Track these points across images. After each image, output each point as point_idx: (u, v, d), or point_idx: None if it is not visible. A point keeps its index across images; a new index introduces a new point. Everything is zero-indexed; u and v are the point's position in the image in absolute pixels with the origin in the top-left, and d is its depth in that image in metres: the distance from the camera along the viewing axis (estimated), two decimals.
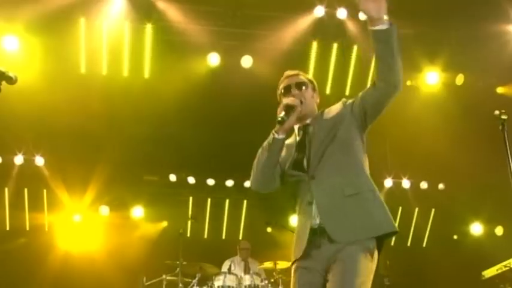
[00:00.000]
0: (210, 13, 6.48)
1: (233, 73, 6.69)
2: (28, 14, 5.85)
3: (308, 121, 2.73)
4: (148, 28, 6.42)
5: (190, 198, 9.01)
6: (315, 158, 2.57)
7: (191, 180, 8.77)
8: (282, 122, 2.52)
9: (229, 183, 9.01)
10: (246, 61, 6.70)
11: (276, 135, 2.55)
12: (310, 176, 2.54)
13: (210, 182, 8.93)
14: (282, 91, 2.81)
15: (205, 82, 6.74)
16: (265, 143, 2.61)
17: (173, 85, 6.69)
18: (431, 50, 7.06)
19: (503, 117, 3.72)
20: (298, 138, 2.74)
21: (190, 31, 6.51)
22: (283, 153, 2.65)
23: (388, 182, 8.62)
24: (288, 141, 2.68)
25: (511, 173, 3.60)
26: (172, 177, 8.69)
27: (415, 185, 8.91)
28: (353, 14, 6.54)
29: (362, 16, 6.60)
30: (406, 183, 8.84)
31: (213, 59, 6.74)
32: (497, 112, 3.72)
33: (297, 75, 2.85)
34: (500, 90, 7.31)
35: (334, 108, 2.73)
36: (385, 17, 2.45)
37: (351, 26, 6.60)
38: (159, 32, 6.50)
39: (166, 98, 6.73)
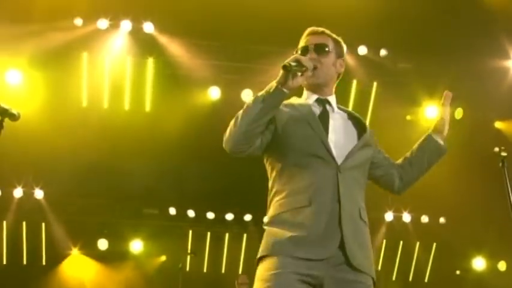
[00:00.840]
0: (211, 47, 6.55)
1: (234, 107, 6.63)
2: (32, 48, 5.92)
3: (329, 98, 2.35)
4: (150, 62, 6.50)
5: (190, 231, 8.92)
6: (342, 150, 2.19)
7: (191, 213, 8.70)
8: (288, 69, 2.04)
9: (229, 216, 8.94)
10: (247, 95, 6.74)
11: (280, 86, 2.06)
12: (340, 167, 2.15)
13: (210, 215, 8.86)
14: (298, 51, 2.32)
15: (206, 116, 6.75)
16: (259, 94, 2.10)
17: (174, 119, 6.71)
18: (430, 84, 7.11)
19: (503, 154, 3.69)
20: (318, 111, 2.29)
21: (191, 65, 6.58)
22: (292, 123, 2.19)
23: (389, 216, 8.55)
24: (294, 112, 2.23)
25: (511, 209, 3.57)
26: (172, 211, 8.63)
27: (415, 219, 8.83)
28: (352, 49, 6.63)
29: (361, 51, 6.70)
30: (406, 217, 8.77)
31: (214, 93, 6.78)
32: (496, 149, 3.70)
33: (321, 33, 2.39)
34: (498, 125, 7.34)
35: (360, 121, 2.41)
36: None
37: (350, 61, 6.67)
38: (161, 66, 6.56)
39: (167, 132, 6.74)
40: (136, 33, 6.29)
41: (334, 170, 2.14)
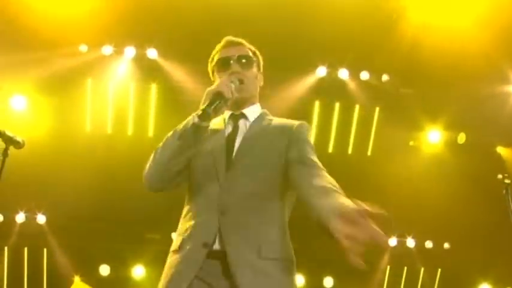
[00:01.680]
0: None
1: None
2: (37, 74, 5.97)
3: (245, 110, 2.13)
4: (153, 88, 6.53)
5: None
6: (235, 170, 1.97)
7: None
8: (204, 116, 1.91)
9: None
10: None
11: (197, 120, 1.91)
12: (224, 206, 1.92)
13: None
14: (217, 64, 2.17)
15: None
16: (178, 128, 1.98)
17: None
18: (433, 109, 7.13)
19: (507, 181, 3.66)
20: (227, 131, 2.09)
21: (194, 91, 6.60)
22: (198, 155, 2.02)
23: (393, 241, 8.46)
24: (207, 141, 2.02)
25: None
26: (174, 236, 8.56)
27: (419, 244, 8.73)
28: (354, 74, 6.67)
29: (363, 76, 6.73)
30: (410, 242, 8.67)
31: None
32: (500, 176, 3.67)
33: (241, 44, 2.21)
34: (500, 150, 7.32)
35: (279, 126, 2.09)
36: None
37: (353, 86, 6.70)
38: (164, 91, 6.60)
39: None
40: (140, 59, 6.35)
41: (215, 210, 1.92)
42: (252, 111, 2.17)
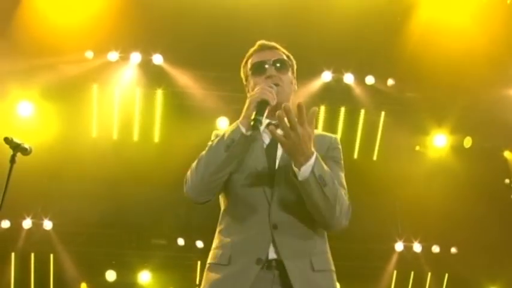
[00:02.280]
0: (219, 78, 6.60)
1: None
2: (43, 80, 6.00)
3: None
4: (159, 93, 6.55)
5: (199, 262, 8.80)
6: (281, 185, 1.97)
7: (199, 244, 8.61)
8: (256, 126, 1.87)
9: None
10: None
11: (244, 130, 1.89)
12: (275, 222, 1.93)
13: None
14: (252, 68, 2.12)
15: None
16: (223, 140, 1.92)
17: (183, 149, 6.67)
18: (439, 113, 7.11)
19: None
20: (267, 141, 2.06)
21: (199, 96, 6.62)
22: (238, 167, 1.99)
23: (399, 246, 8.41)
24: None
25: None
26: (180, 241, 8.55)
27: (426, 249, 8.68)
28: (359, 79, 6.66)
29: (368, 81, 6.73)
30: (417, 247, 8.62)
31: (222, 123, 6.80)
32: (507, 181, 3.66)
33: (275, 48, 2.19)
34: (507, 155, 7.28)
35: (318, 139, 2.03)
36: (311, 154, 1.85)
37: (358, 91, 6.69)
38: (169, 97, 6.62)
39: (176, 162, 6.67)
40: (146, 65, 6.37)
41: (265, 223, 1.93)
42: None
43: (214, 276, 1.98)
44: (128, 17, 5.71)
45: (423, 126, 7.19)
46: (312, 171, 1.83)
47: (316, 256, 1.96)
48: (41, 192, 7.22)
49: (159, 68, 6.40)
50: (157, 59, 6.35)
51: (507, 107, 6.63)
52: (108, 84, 6.32)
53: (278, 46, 2.22)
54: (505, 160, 7.25)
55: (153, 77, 6.48)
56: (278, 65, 2.11)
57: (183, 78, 6.52)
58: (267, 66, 2.10)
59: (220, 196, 2.13)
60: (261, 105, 1.90)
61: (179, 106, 6.70)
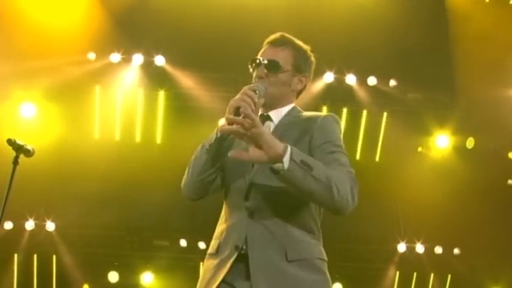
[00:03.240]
0: (221, 79, 6.61)
1: None
2: (46, 82, 6.02)
3: (271, 112, 2.11)
4: (161, 95, 6.56)
5: (201, 264, 8.78)
6: (261, 172, 1.97)
7: (202, 245, 8.61)
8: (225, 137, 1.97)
9: None
10: None
11: (219, 134, 1.95)
12: (249, 206, 1.99)
13: None
14: (250, 63, 2.14)
15: None
16: (205, 142, 2.02)
17: (185, 150, 6.65)
18: (441, 114, 7.10)
19: None
20: None
21: (201, 97, 6.63)
22: (228, 159, 1.97)
23: (402, 247, 8.40)
24: (233, 143, 2.03)
25: None
26: (183, 243, 8.55)
27: (429, 250, 8.66)
28: (361, 79, 6.66)
29: (370, 82, 6.72)
30: (420, 248, 8.61)
31: None
32: (510, 181, 3.63)
33: (281, 44, 2.14)
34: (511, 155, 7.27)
35: (305, 120, 2.07)
36: (285, 150, 1.79)
37: (360, 91, 6.70)
38: (172, 98, 6.63)
39: (178, 163, 6.65)
40: (148, 67, 6.40)
41: (244, 212, 2.00)
42: (280, 112, 2.14)
43: (205, 265, 2.11)
44: (130, 18, 5.72)
45: (425, 127, 7.19)
46: (291, 159, 1.76)
47: (292, 244, 1.93)
48: (44, 193, 7.23)
49: (161, 69, 6.42)
50: (160, 60, 6.36)
51: (510, 107, 6.62)
52: (110, 85, 6.34)
53: (288, 43, 2.16)
54: (509, 161, 7.22)
55: (155, 78, 6.50)
56: (268, 65, 2.08)
57: (185, 80, 6.54)
58: (258, 64, 2.10)
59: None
60: (235, 113, 1.86)
61: (181, 107, 6.72)
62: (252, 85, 2.00)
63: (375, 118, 7.08)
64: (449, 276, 9.13)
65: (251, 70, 2.16)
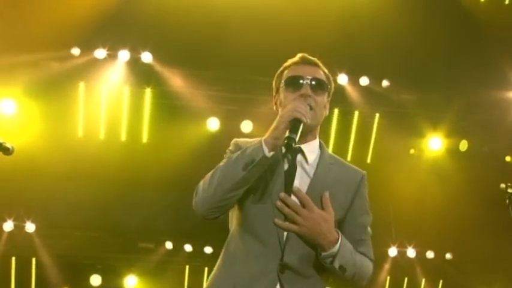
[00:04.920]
0: (210, 78, 6.60)
1: (233, 138, 6.72)
2: (27, 77, 5.96)
3: (304, 146, 2.01)
4: (148, 92, 6.53)
5: (187, 267, 8.78)
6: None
7: (188, 248, 8.58)
8: (290, 145, 1.82)
9: None
10: (246, 126, 6.75)
11: (266, 151, 1.82)
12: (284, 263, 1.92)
13: (208, 250, 8.74)
14: (287, 81, 2.02)
15: (205, 147, 6.74)
16: (241, 158, 1.85)
17: (172, 150, 6.69)
18: (434, 115, 7.14)
19: (510, 190, 3.61)
20: (285, 166, 1.98)
21: (189, 95, 6.61)
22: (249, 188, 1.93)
23: (393, 251, 8.44)
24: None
25: None
26: (169, 245, 8.52)
27: (421, 255, 8.71)
28: (354, 79, 6.67)
29: (363, 82, 6.74)
30: (411, 253, 8.65)
31: (213, 124, 6.80)
32: (503, 185, 3.62)
33: (316, 65, 2.07)
34: (508, 159, 7.32)
35: (343, 178, 2.06)
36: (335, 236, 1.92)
37: (352, 92, 6.71)
38: (158, 96, 6.60)
39: (165, 163, 6.71)
40: (134, 63, 6.34)
41: (275, 265, 1.91)
42: (312, 148, 2.06)
43: None
44: (116, 13, 5.68)
45: (418, 128, 7.23)
46: (333, 262, 1.90)
47: None
48: (24, 193, 7.15)
49: (148, 67, 6.38)
50: (147, 57, 6.32)
51: (505, 110, 6.67)
52: (95, 82, 6.28)
53: (320, 64, 2.11)
54: (504, 164, 7.27)
55: (142, 75, 6.46)
56: (315, 83, 2.01)
57: (173, 77, 6.51)
58: (303, 82, 2.00)
59: (230, 211, 2.07)
60: (295, 124, 1.83)
61: (168, 106, 6.69)
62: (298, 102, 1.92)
63: (366, 119, 7.10)
64: (441, 281, 9.19)
65: (282, 87, 2.06)
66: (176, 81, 6.53)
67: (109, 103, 6.43)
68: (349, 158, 6.99)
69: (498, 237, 6.39)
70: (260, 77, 6.54)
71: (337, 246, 1.90)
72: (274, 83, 2.17)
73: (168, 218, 7.88)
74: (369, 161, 7.29)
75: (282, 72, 2.11)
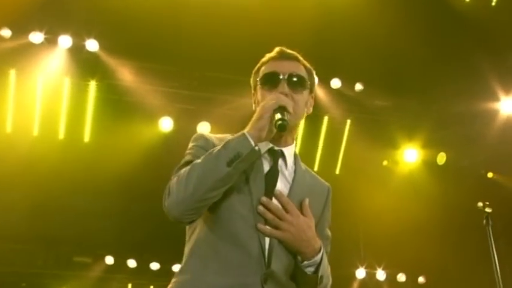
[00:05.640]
0: (164, 72, 6.55)
1: (188, 141, 6.64)
2: None
3: (285, 149, 2.06)
4: (92, 86, 6.44)
5: (130, 285, 8.68)
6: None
7: (132, 263, 8.46)
8: (284, 127, 1.85)
9: (176, 267, 8.72)
10: (203, 128, 6.72)
11: (253, 143, 1.83)
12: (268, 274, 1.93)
13: (154, 266, 8.64)
14: (263, 78, 2.05)
15: (156, 150, 6.68)
16: (224, 153, 1.83)
17: (117, 152, 6.61)
18: (411, 125, 7.25)
19: (488, 210, 3.64)
20: (266, 168, 2.01)
21: (140, 91, 6.55)
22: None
23: (361, 273, 8.49)
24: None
25: (496, 271, 3.55)
26: (109, 260, 8.38)
27: (391, 277, 8.80)
28: (324, 81, 6.70)
29: (334, 84, 6.77)
30: (381, 275, 8.72)
31: (166, 124, 6.74)
32: (480, 204, 3.65)
33: (295, 59, 2.10)
34: (490, 175, 7.49)
35: (317, 187, 2.17)
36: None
37: (321, 95, 6.73)
38: (104, 90, 6.51)
39: (109, 167, 6.61)
40: (77, 51, 6.20)
41: (257, 275, 1.90)
42: (291, 152, 2.11)
43: None
44: None
45: (393, 138, 7.32)
46: (316, 271, 1.96)
47: None
48: None
49: (93, 56, 6.26)
50: (92, 45, 6.20)
51: (488, 122, 6.80)
52: (29, 70, 6.12)
53: (300, 57, 2.13)
54: (485, 180, 7.42)
55: (86, 65, 6.34)
56: (294, 80, 2.04)
57: (122, 70, 6.41)
58: (280, 79, 2.02)
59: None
60: (281, 112, 1.87)
61: (115, 102, 6.61)
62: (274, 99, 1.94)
63: (337, 125, 7.15)
64: None
65: (258, 85, 2.08)
66: (125, 74, 6.46)
67: (45, 95, 6.29)
68: (316, 167, 7.01)
69: (476, 260, 6.48)
70: (221, 74, 6.51)
71: (320, 254, 1.97)
72: (251, 80, 2.17)
73: (110, 229, 7.76)
74: (337, 171, 7.35)
75: (259, 68, 2.12)
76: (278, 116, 1.86)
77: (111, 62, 6.34)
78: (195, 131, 6.65)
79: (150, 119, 6.75)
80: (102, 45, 6.24)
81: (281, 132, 1.88)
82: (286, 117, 1.86)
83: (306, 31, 5.79)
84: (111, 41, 6.24)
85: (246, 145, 1.83)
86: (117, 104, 6.62)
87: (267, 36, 5.65)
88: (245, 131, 1.87)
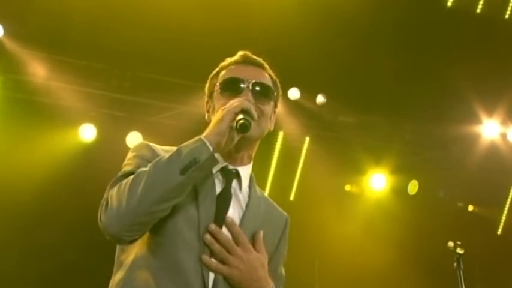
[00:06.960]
0: (88, 69, 6.50)
1: (114, 153, 6.60)
2: None
3: (241, 169, 2.09)
4: None
5: None
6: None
7: None
8: (246, 127, 1.87)
9: None
10: (133, 138, 6.68)
11: (211, 149, 1.86)
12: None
13: None
14: (224, 84, 2.09)
15: (74, 163, 6.65)
16: (175, 157, 1.85)
17: (23, 163, 6.49)
18: (378, 146, 7.35)
19: (459, 251, 3.76)
20: (218, 189, 2.04)
21: (55, 91, 6.46)
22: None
23: None
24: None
25: None
26: None
27: None
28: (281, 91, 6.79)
29: (292, 94, 6.85)
30: None
31: (87, 133, 6.68)
32: (451, 244, 3.76)
33: (261, 66, 2.16)
34: (471, 208, 7.69)
35: (273, 216, 2.23)
36: None
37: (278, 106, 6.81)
38: (9, 87, 6.40)
39: (10, 181, 6.48)
40: None
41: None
42: (246, 173, 2.14)
43: None
44: None
45: (358, 160, 7.44)
46: None
47: None
48: None
49: None
50: None
51: (468, 147, 6.97)
52: None
53: (266, 65, 2.18)
54: (461, 211, 7.59)
55: None
56: (258, 89, 2.08)
57: (33, 63, 6.35)
58: (243, 86, 2.06)
59: None
60: (245, 115, 1.90)
61: (23, 101, 6.51)
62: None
63: (293, 143, 7.23)
64: None
65: (216, 91, 2.12)
66: (37, 69, 6.38)
67: None
68: (267, 192, 7.07)
69: None
70: (159, 76, 6.50)
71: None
72: (207, 85, 2.20)
73: (12, 260, 7.59)
74: (292, 197, 7.41)
75: (218, 73, 2.16)
76: (240, 116, 1.88)
77: (19, 52, 6.25)
78: (123, 141, 6.63)
79: (68, 125, 6.67)
80: (8, 31, 6.14)
81: (243, 133, 1.89)
82: (250, 120, 1.89)
83: (260, 33, 5.87)
84: (21, 26, 6.16)
85: (203, 151, 1.86)
86: (25, 105, 6.52)
87: (212, 37, 5.74)
88: (202, 135, 1.90)
